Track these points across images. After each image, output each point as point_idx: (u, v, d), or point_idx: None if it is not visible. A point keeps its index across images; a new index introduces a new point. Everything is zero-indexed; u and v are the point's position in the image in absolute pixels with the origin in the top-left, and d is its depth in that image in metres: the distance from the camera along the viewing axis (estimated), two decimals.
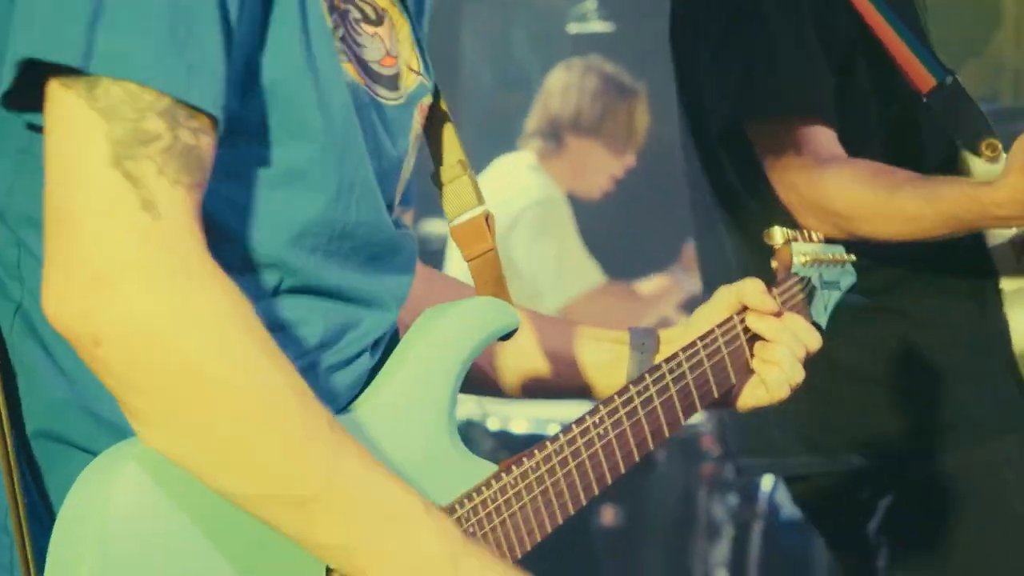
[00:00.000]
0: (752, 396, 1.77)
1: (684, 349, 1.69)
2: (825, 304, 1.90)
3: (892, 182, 2.48)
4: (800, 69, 2.53)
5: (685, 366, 1.68)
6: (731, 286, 1.77)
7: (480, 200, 1.61)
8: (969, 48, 5.35)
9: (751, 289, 1.75)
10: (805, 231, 1.91)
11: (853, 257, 1.98)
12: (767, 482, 4.40)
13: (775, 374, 1.74)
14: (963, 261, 2.58)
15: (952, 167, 2.57)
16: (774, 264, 1.88)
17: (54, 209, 1.23)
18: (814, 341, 1.77)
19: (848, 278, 1.96)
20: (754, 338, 1.76)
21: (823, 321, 1.89)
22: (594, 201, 4.82)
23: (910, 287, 2.60)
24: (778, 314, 1.76)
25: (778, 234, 1.89)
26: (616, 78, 4.79)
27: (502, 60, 6.38)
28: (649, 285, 4.80)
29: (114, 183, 1.22)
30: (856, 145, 2.56)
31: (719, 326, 1.73)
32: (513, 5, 6.55)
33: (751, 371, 1.76)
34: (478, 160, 4.84)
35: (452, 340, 1.48)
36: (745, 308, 1.76)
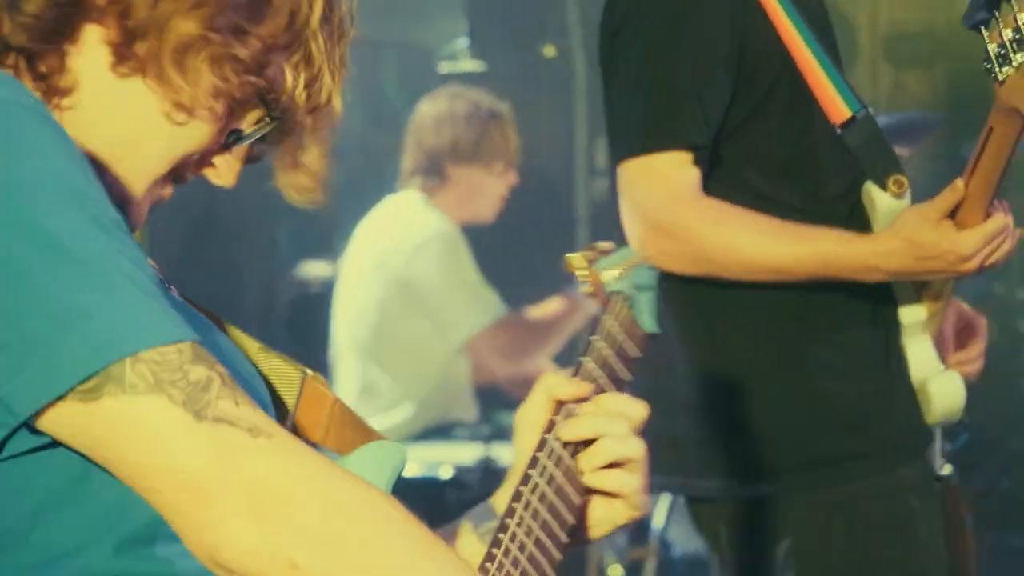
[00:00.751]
0: (607, 514, 1.58)
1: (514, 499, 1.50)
2: (649, 309, 1.78)
3: (761, 225, 2.51)
4: (671, 104, 2.55)
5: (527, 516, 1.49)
6: (540, 384, 1.60)
7: (298, 368, 1.57)
8: None
9: (556, 382, 1.58)
10: (597, 245, 1.81)
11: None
12: (658, 519, 4.39)
13: (619, 477, 1.56)
14: (868, 292, 2.60)
15: (856, 199, 2.60)
16: (586, 290, 1.77)
17: (177, 500, 1.25)
18: (637, 411, 1.58)
19: (652, 273, 1.82)
20: (579, 446, 1.56)
21: (653, 326, 1.76)
22: (484, 230, 4.82)
23: (816, 317, 2.61)
24: (593, 393, 1.60)
25: (578, 259, 1.78)
26: (481, 102, 4.79)
27: (373, 100, 6.36)
28: (542, 310, 4.79)
29: (210, 432, 1.25)
30: (765, 171, 2.59)
31: (539, 450, 1.53)
32: (383, 44, 6.53)
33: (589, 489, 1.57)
34: (353, 203, 4.81)
35: None
36: (560, 404, 1.58)
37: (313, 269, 5.77)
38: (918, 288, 2.64)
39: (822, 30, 2.67)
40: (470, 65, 5.83)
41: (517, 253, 5.62)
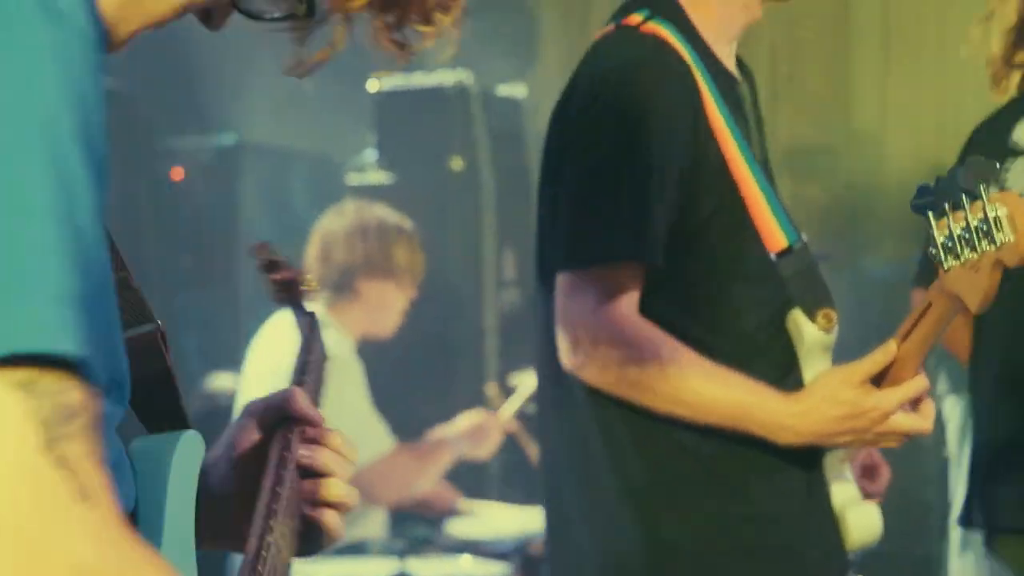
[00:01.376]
0: (312, 541, 1.57)
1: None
2: None
3: (691, 361, 2.50)
4: (620, 218, 2.53)
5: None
6: (293, 395, 1.64)
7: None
8: None
9: (295, 396, 1.61)
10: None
11: None
12: None
13: (332, 515, 1.57)
14: (796, 451, 2.59)
15: (778, 328, 2.60)
16: None
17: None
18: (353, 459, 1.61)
19: None
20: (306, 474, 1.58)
21: None
22: (391, 343, 4.80)
23: (743, 446, 2.58)
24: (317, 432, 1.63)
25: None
26: (388, 218, 4.80)
27: (280, 210, 6.36)
28: (451, 428, 4.77)
29: (42, 468, 1.09)
30: (696, 294, 2.58)
31: (280, 465, 1.53)
32: (290, 155, 6.55)
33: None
34: (262, 316, 4.78)
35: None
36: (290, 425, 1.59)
37: (221, 381, 5.71)
38: (842, 460, 2.65)
39: (760, 147, 2.70)
40: (378, 177, 5.84)
41: (426, 366, 5.61)
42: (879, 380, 2.47)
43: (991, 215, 2.30)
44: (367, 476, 4.45)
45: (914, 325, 2.44)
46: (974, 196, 2.31)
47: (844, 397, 2.46)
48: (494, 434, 4.79)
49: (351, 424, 4.55)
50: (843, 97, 6.41)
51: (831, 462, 2.63)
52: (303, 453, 1.61)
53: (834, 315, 2.58)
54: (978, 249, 2.32)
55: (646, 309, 2.54)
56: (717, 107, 2.58)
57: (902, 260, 5.80)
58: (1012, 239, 2.31)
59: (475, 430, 4.75)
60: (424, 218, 5.06)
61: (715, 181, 2.56)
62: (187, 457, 1.45)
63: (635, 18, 2.65)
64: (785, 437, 2.51)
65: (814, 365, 2.59)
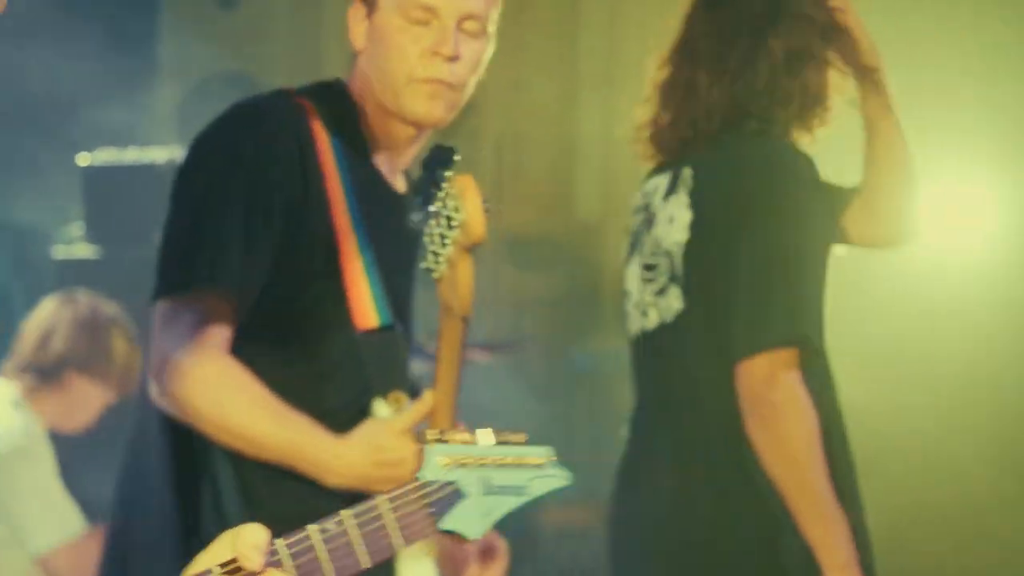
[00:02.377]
0: None
1: None
2: (486, 512, 1.73)
3: (255, 396, 2.52)
4: (217, 249, 2.55)
5: None
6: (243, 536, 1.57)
7: None
8: None
9: (245, 536, 1.55)
10: (465, 434, 1.76)
11: (551, 458, 1.80)
12: None
13: None
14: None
15: (363, 409, 2.62)
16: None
17: None
18: None
19: (544, 482, 1.78)
20: None
21: (475, 531, 1.73)
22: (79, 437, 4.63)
23: None
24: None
25: (428, 435, 1.73)
26: (117, 317, 4.69)
27: None
28: None
29: None
30: (275, 359, 2.58)
31: None
32: None
33: None
34: None
35: None
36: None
37: None
38: None
39: (400, 252, 2.71)
40: (85, 251, 5.68)
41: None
42: None
43: (449, 199, 2.30)
44: (53, 561, 4.31)
45: (438, 366, 2.49)
46: (439, 187, 2.31)
47: (384, 445, 2.51)
48: None
49: (37, 507, 4.36)
50: (566, 189, 6.47)
51: (410, 555, 2.60)
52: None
53: (403, 399, 2.62)
54: (448, 240, 2.32)
55: (252, 351, 2.56)
56: (341, 184, 2.62)
57: (618, 350, 5.87)
58: (464, 216, 2.31)
59: None
60: (130, 295, 4.89)
61: (319, 246, 2.60)
62: None
63: (293, 89, 2.74)
64: (331, 479, 2.54)
65: None
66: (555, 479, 1.81)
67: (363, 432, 2.54)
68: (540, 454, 1.80)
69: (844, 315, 3.35)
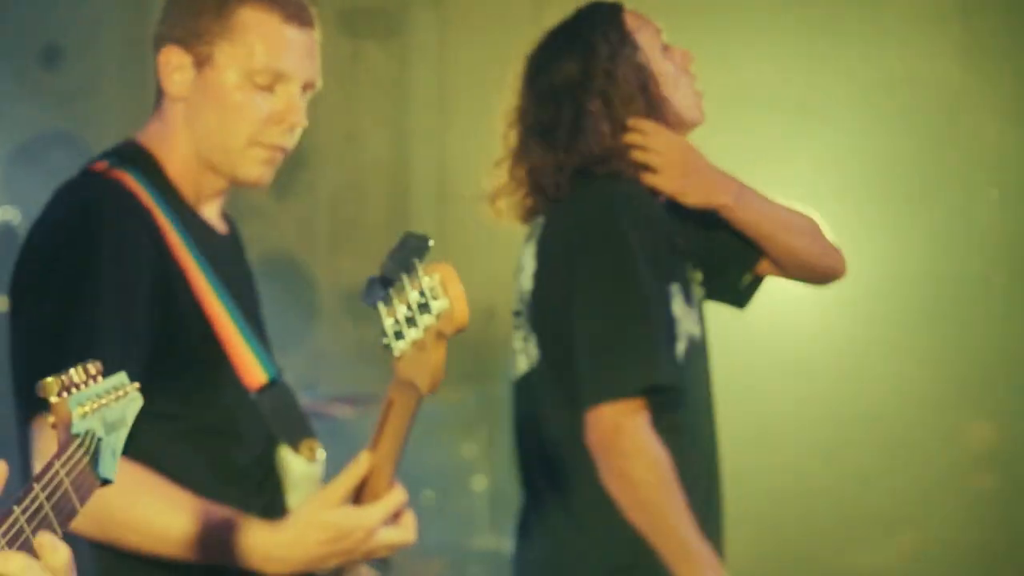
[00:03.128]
0: None
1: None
2: (114, 450, 1.70)
3: (173, 497, 2.43)
4: (92, 334, 2.46)
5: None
6: None
7: None
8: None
9: None
10: (80, 370, 1.69)
11: (136, 384, 1.79)
12: None
13: None
14: None
15: (271, 462, 2.58)
16: (52, 421, 1.64)
17: None
18: (57, 558, 1.54)
19: (134, 404, 1.75)
20: None
21: (110, 473, 1.69)
22: None
23: None
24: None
25: (53, 386, 1.64)
26: None
27: None
28: None
29: None
30: (177, 428, 2.52)
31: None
32: None
33: None
34: None
35: None
36: None
37: None
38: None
39: (246, 295, 2.70)
40: None
41: None
42: (359, 494, 2.44)
43: (426, 286, 2.26)
44: None
45: (381, 431, 2.42)
46: (410, 273, 2.28)
47: (327, 520, 2.42)
48: None
49: None
50: None
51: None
52: None
53: (316, 445, 2.58)
54: (420, 325, 2.28)
55: (144, 452, 2.42)
56: (188, 250, 2.58)
57: (461, 404, 5.85)
58: (446, 305, 2.27)
59: None
60: None
61: (187, 321, 2.54)
62: None
63: (101, 164, 2.64)
64: (274, 568, 2.44)
65: (303, 498, 2.57)
66: (138, 399, 1.78)
67: (302, 512, 2.45)
68: (125, 378, 1.77)
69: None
